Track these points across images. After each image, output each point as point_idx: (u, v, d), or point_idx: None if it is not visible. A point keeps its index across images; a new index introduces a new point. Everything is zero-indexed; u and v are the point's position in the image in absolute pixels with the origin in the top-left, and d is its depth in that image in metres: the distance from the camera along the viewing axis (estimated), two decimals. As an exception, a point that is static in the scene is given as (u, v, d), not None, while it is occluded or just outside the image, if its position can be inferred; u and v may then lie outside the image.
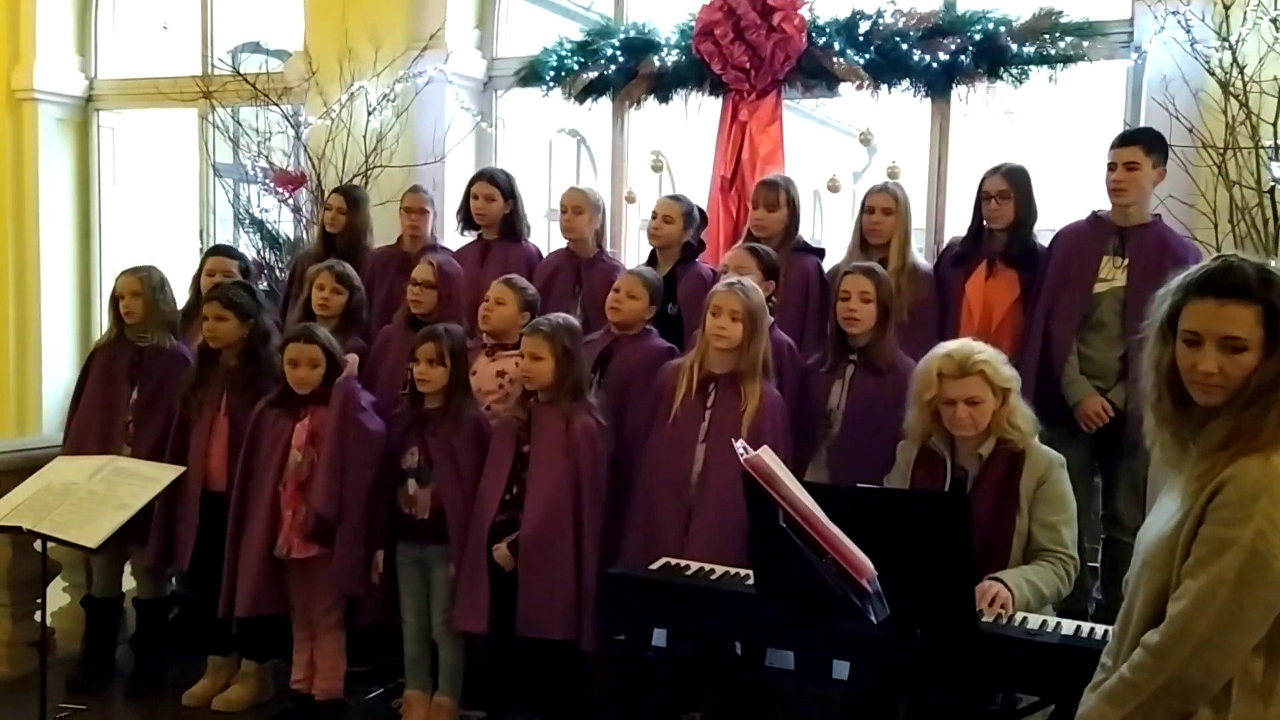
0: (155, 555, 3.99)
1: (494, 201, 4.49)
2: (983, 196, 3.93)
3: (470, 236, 4.67)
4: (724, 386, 3.39)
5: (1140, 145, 3.65)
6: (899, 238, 3.96)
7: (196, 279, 4.49)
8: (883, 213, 3.98)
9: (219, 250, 4.55)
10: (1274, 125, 3.90)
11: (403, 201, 4.69)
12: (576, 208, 4.34)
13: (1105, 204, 3.79)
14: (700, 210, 4.39)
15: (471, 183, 4.57)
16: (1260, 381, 1.77)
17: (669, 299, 4.06)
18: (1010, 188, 3.85)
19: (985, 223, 3.94)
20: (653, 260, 4.27)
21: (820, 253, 4.26)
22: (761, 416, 3.33)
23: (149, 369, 4.10)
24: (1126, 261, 3.67)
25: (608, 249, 4.58)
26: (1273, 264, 1.83)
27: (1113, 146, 3.70)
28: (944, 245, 4.47)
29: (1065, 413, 3.69)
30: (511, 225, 4.54)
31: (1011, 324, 3.86)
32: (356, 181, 5.30)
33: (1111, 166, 3.67)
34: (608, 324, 3.85)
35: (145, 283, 4.11)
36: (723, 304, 3.33)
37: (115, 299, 4.15)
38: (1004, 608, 2.63)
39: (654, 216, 4.21)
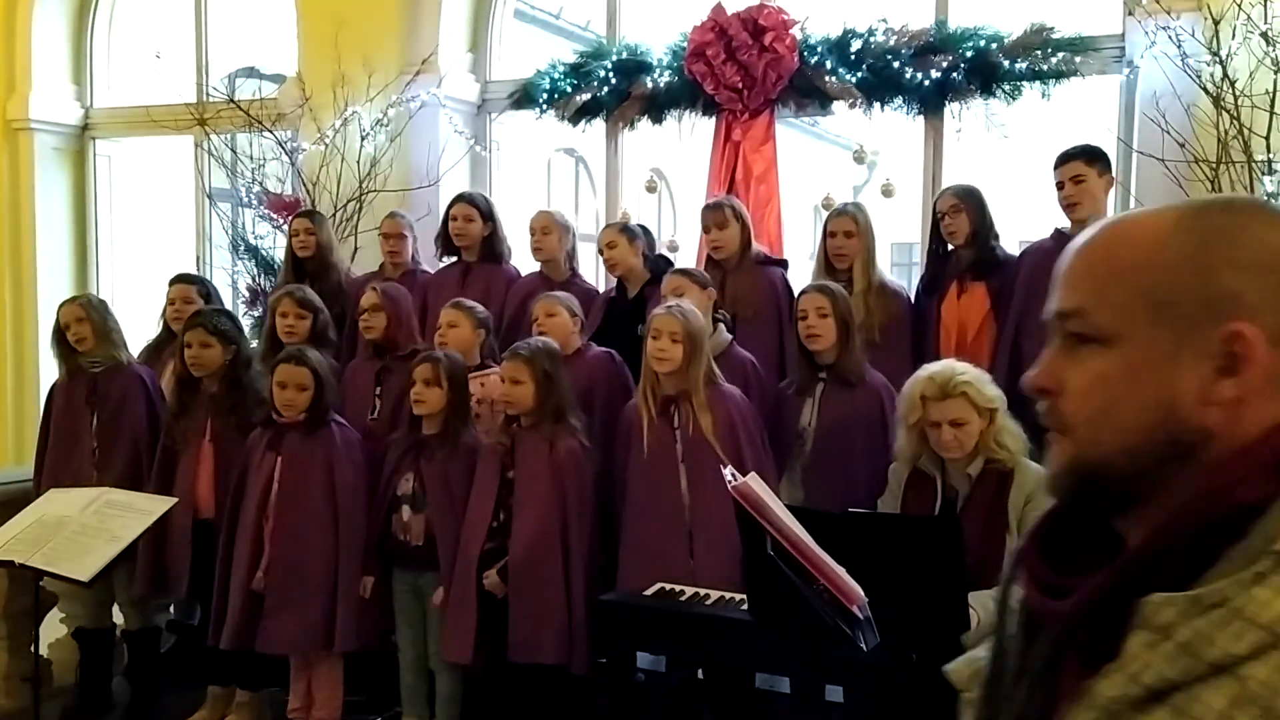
0: (145, 586, 3.97)
1: (473, 223, 4.50)
2: (938, 218, 4.00)
3: (451, 260, 4.67)
4: (684, 403, 3.39)
5: (1081, 159, 3.72)
6: (862, 259, 3.96)
7: (164, 312, 4.48)
8: (844, 235, 3.98)
9: (180, 278, 4.54)
10: (1266, 139, 3.90)
11: (382, 228, 4.73)
12: (544, 228, 4.36)
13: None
14: (643, 227, 4.41)
15: (450, 205, 4.59)
16: None
17: (639, 321, 4.07)
18: (959, 201, 3.91)
19: (947, 242, 3.99)
20: (623, 288, 4.28)
21: (784, 264, 4.27)
22: (719, 421, 3.33)
23: (105, 393, 4.12)
24: None
25: (579, 270, 4.59)
26: None
27: (1056, 166, 3.78)
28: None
29: (1041, 431, 3.67)
30: (491, 247, 4.55)
31: (987, 336, 3.89)
32: (351, 206, 5.31)
33: (1060, 185, 3.75)
34: None
35: (87, 307, 4.14)
36: (661, 327, 3.35)
37: (60, 331, 4.15)
38: None
39: (600, 252, 4.26)
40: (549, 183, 9.92)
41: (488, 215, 4.53)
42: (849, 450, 3.38)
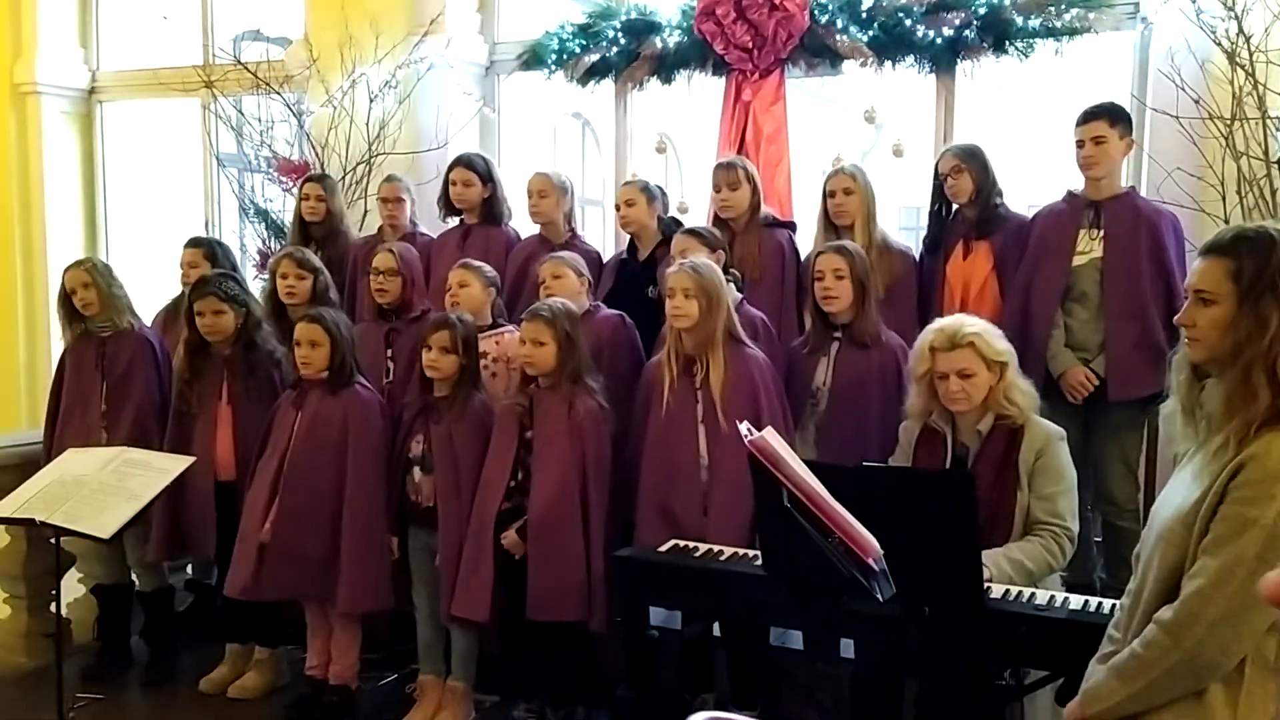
0: (161, 550, 4.01)
1: (471, 187, 4.49)
2: (939, 180, 3.98)
3: (454, 222, 4.67)
4: (704, 362, 3.40)
5: (1104, 119, 3.69)
6: (862, 218, 3.97)
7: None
8: (844, 194, 3.99)
9: (189, 243, 4.55)
10: (1281, 95, 3.87)
11: (379, 192, 4.73)
12: (541, 191, 4.34)
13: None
14: (660, 188, 4.39)
15: (450, 169, 4.58)
16: (1235, 338, 1.77)
17: (649, 282, 4.07)
18: (960, 161, 3.90)
19: (951, 203, 3.99)
20: (633, 246, 4.27)
21: (791, 226, 4.27)
22: (739, 380, 3.34)
23: (113, 357, 4.13)
24: (1102, 233, 3.69)
25: (579, 232, 4.57)
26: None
27: (1078, 124, 3.74)
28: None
29: (1051, 389, 3.70)
30: (491, 209, 4.55)
31: (990, 296, 3.89)
32: (360, 169, 5.30)
33: (1080, 144, 3.72)
34: None
35: (93, 272, 4.14)
36: (676, 285, 3.35)
37: (67, 296, 4.16)
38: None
39: (617, 208, 4.23)
40: (556, 147, 9.88)
41: (486, 178, 4.52)
42: (864, 410, 3.39)
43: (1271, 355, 1.75)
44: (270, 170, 5.59)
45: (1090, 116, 3.72)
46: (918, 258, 4.13)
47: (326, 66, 5.44)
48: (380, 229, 4.72)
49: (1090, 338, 3.70)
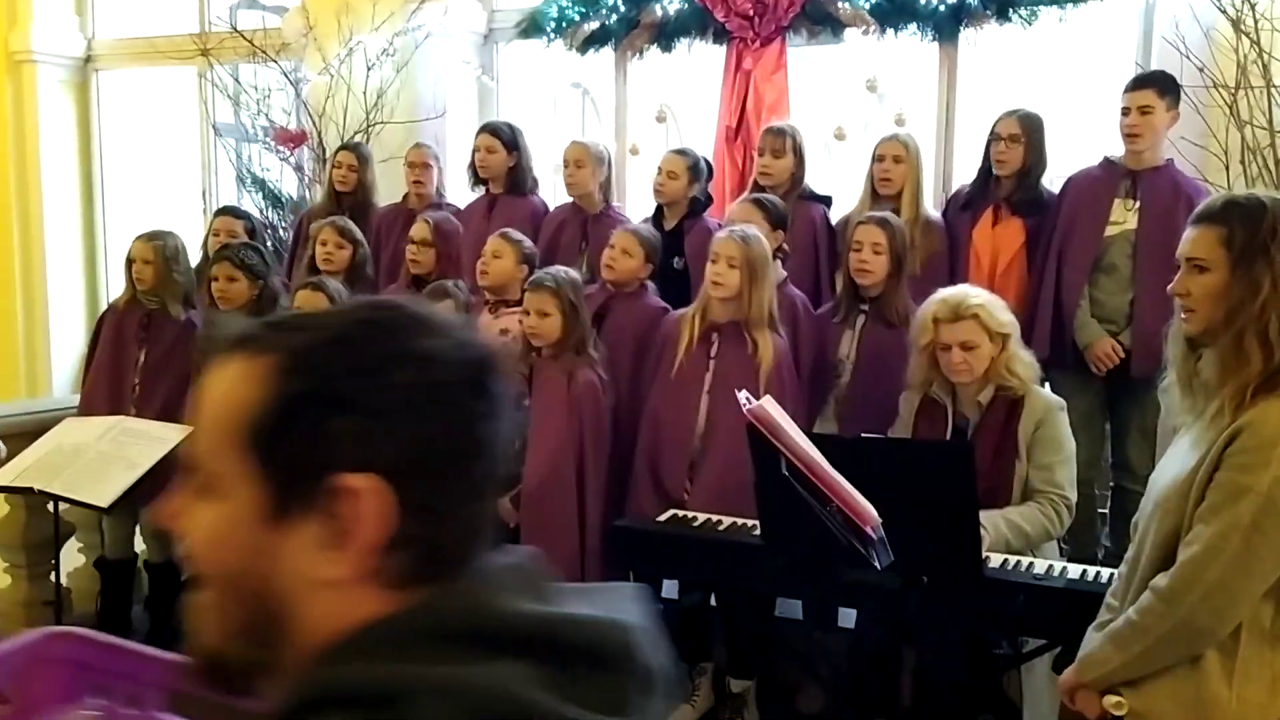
0: None
1: (495, 154, 4.44)
2: (993, 138, 3.86)
3: (481, 191, 4.63)
4: (726, 337, 3.36)
5: (1154, 88, 3.60)
6: (911, 187, 3.89)
7: (205, 241, 4.47)
8: (893, 160, 3.90)
9: (225, 211, 4.53)
10: (1286, 63, 3.83)
11: (407, 157, 4.67)
12: (578, 161, 4.28)
13: (1115, 144, 3.74)
14: (707, 162, 4.32)
15: (476, 135, 4.53)
16: (1229, 305, 1.77)
17: (675, 253, 4.03)
18: (1022, 132, 3.78)
19: (993, 167, 3.88)
20: (659, 214, 4.23)
21: (827, 201, 4.21)
22: (773, 368, 3.30)
23: (157, 333, 4.08)
24: (1138, 204, 3.63)
25: (614, 203, 4.53)
26: None
27: (1126, 90, 3.64)
28: (951, 193, 4.42)
29: (1077, 358, 3.68)
30: (516, 178, 4.49)
31: (1017, 272, 3.82)
32: (358, 138, 5.26)
33: (1125, 111, 3.61)
34: (601, 280, 3.81)
35: (159, 251, 4.05)
36: (721, 251, 3.30)
37: (129, 262, 4.12)
38: None
39: (659, 172, 4.15)
40: (555, 117, 9.81)
41: (512, 145, 4.46)
42: (886, 385, 3.33)
43: (1264, 320, 1.76)
44: (267, 139, 5.55)
45: (1139, 84, 3.62)
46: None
47: (323, 34, 5.39)
48: (405, 196, 4.66)
49: (1117, 310, 3.65)
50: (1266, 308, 1.75)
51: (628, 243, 3.73)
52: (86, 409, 3.97)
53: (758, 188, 4.08)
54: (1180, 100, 3.67)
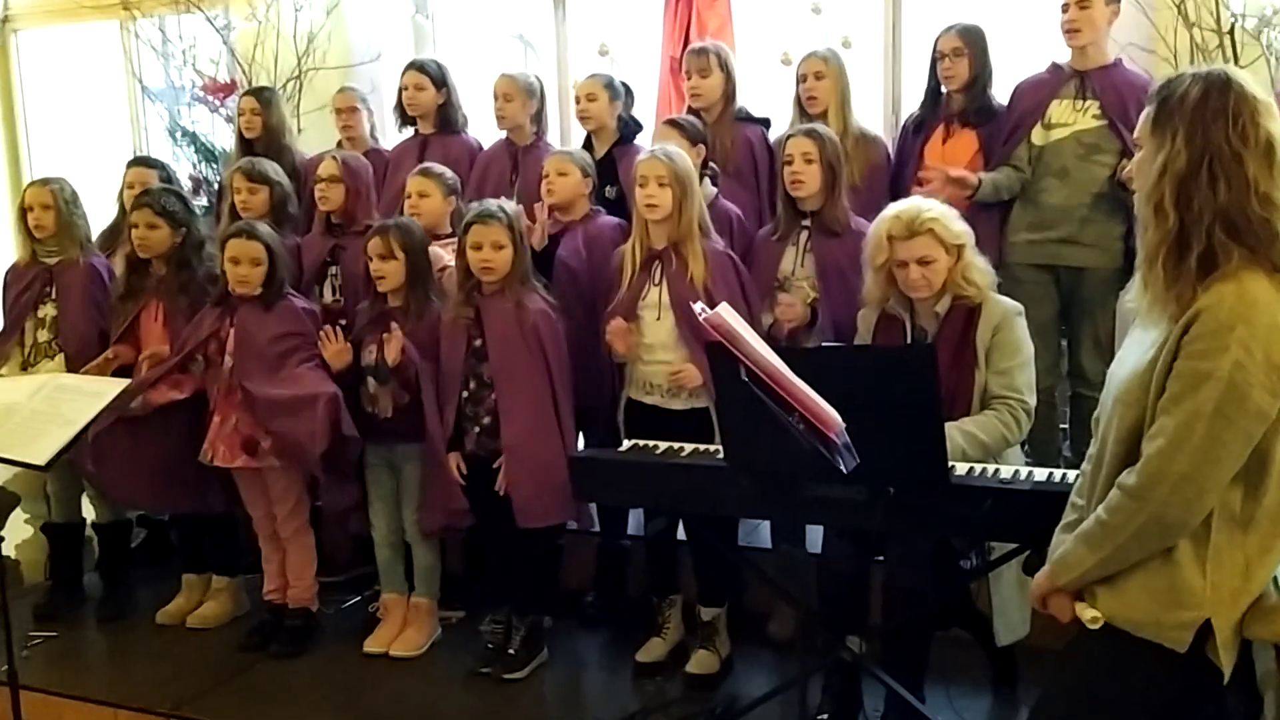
0: None
1: (424, 91, 4.31)
2: (937, 56, 3.83)
3: (410, 132, 4.49)
4: (668, 260, 3.30)
5: None
6: (836, 102, 3.84)
7: (120, 194, 4.31)
8: (815, 78, 3.86)
9: (138, 161, 4.35)
10: (1234, -40, 3.79)
11: (333, 102, 4.55)
12: (507, 94, 4.16)
13: (1065, 52, 3.70)
14: (625, 85, 4.22)
15: (402, 74, 4.39)
16: (1159, 179, 1.75)
17: (609, 181, 3.94)
18: (964, 45, 3.75)
19: (941, 85, 3.85)
20: (589, 144, 4.12)
21: (765, 123, 4.14)
22: (712, 277, 3.24)
23: (65, 286, 3.97)
24: (1097, 103, 3.59)
25: (547, 136, 4.42)
26: None
27: None
28: (902, 118, 4.35)
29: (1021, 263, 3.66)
30: (446, 115, 4.37)
31: None
32: (290, 86, 5.09)
33: (1064, 7, 3.58)
34: (553, 216, 3.70)
35: (57, 195, 3.96)
36: (648, 173, 3.22)
37: (23, 211, 3.99)
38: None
39: (578, 100, 4.06)
40: (495, 61, 9.62)
41: (440, 82, 4.34)
42: (841, 298, 3.30)
43: (1176, 179, 1.72)
44: (196, 91, 5.36)
45: None
46: (892, 143, 4.01)
47: (248, -22, 5.20)
48: (339, 144, 4.52)
49: (1069, 214, 3.61)
50: (1171, 163, 1.73)
51: (559, 164, 3.66)
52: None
53: (691, 112, 3.99)
54: None
